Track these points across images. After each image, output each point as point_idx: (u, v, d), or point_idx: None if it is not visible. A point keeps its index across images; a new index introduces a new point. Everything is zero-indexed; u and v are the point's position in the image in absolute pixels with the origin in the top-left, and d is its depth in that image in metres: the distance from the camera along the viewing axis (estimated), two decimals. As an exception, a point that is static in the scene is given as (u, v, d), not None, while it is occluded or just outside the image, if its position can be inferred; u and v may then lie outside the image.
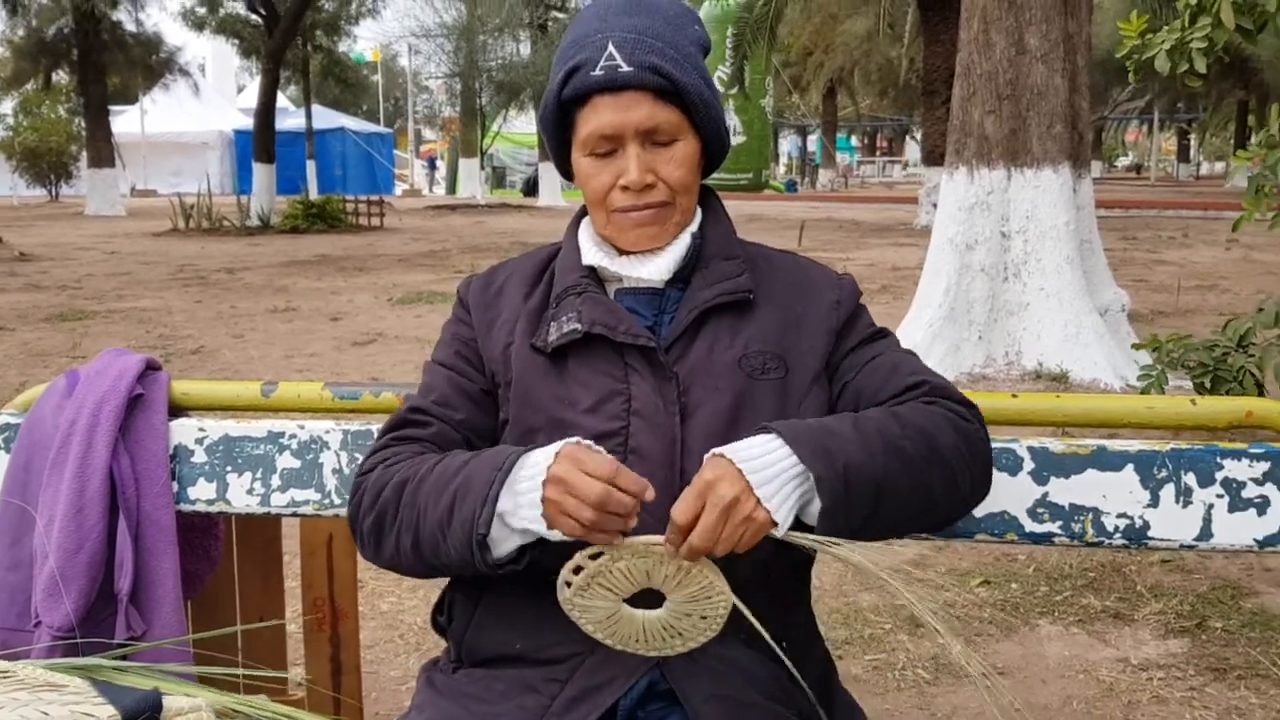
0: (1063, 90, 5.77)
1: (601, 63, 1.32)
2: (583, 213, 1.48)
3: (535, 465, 1.23)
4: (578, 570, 1.22)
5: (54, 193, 27.87)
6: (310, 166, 27.42)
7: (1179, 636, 2.81)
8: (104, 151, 22.68)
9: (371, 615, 2.99)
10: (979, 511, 1.62)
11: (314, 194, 21.94)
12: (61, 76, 25.98)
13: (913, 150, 44.83)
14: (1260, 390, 3.69)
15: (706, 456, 1.23)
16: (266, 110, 19.53)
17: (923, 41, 16.95)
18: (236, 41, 26.88)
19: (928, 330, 5.87)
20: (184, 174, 29.08)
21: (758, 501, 1.18)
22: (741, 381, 1.36)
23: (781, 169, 45.91)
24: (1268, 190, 3.64)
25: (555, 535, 1.22)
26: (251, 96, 26.37)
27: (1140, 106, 38.02)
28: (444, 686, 1.42)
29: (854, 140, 54.61)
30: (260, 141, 19.36)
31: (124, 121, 30.81)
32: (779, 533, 1.21)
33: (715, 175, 1.50)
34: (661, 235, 1.39)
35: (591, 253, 1.42)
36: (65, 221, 20.82)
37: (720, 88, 24.35)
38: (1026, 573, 3.22)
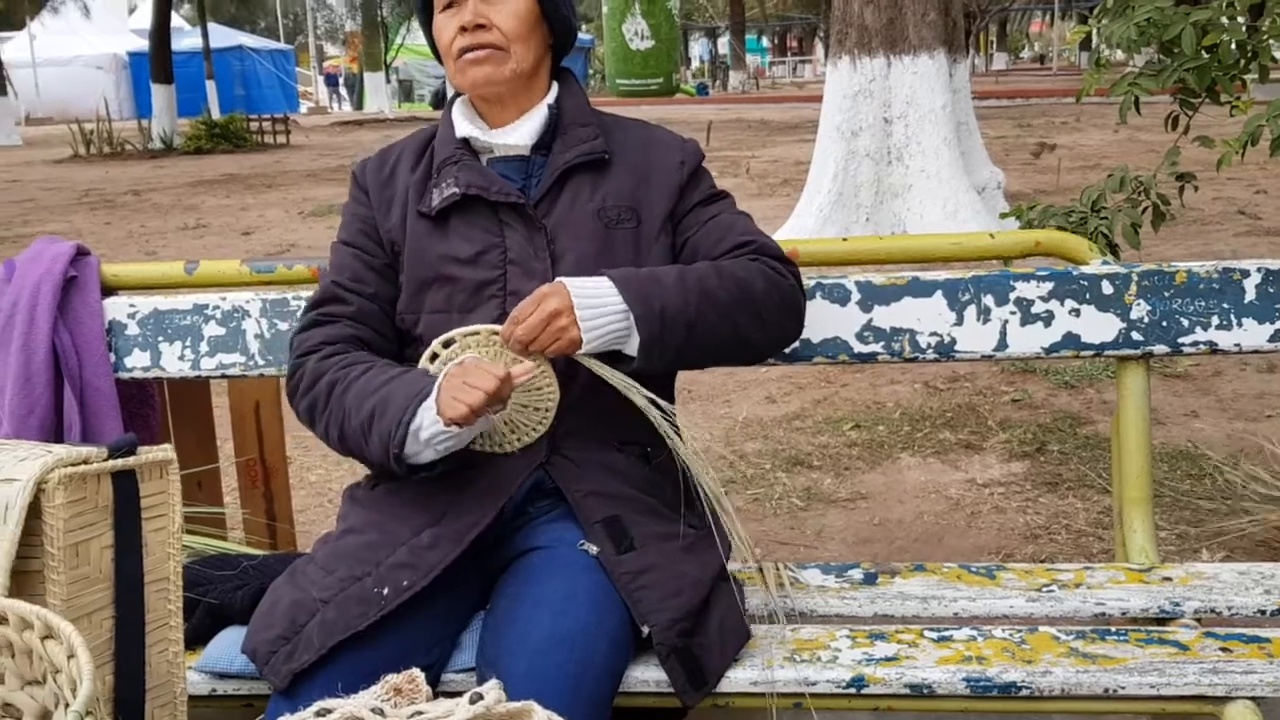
0: (935, -21, 6.00)
1: None
2: (455, 97, 1.73)
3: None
4: (434, 357, 1.49)
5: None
6: (210, 86, 26.68)
7: (1021, 460, 3.19)
8: (-7, 79, 21.90)
9: (300, 486, 3.24)
10: (815, 338, 1.91)
11: (216, 114, 21.45)
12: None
13: (822, 49, 44.75)
14: (1114, 248, 4.08)
15: (552, 281, 1.50)
16: (161, 29, 18.95)
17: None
18: (124, -39, 25.94)
19: (818, 215, 6.13)
20: (79, 99, 28.10)
21: (574, 321, 1.45)
22: (601, 230, 1.63)
23: (692, 73, 45.62)
24: (1105, 62, 3.96)
25: (442, 427, 1.41)
26: (144, 17, 25.49)
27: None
28: (364, 499, 1.69)
29: (764, 41, 54.31)
30: (157, 62, 18.83)
31: (12, 48, 29.58)
32: (580, 352, 1.47)
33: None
34: (496, 76, 1.59)
35: (463, 126, 1.67)
36: (-42, 154, 20.16)
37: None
38: (893, 417, 3.57)
